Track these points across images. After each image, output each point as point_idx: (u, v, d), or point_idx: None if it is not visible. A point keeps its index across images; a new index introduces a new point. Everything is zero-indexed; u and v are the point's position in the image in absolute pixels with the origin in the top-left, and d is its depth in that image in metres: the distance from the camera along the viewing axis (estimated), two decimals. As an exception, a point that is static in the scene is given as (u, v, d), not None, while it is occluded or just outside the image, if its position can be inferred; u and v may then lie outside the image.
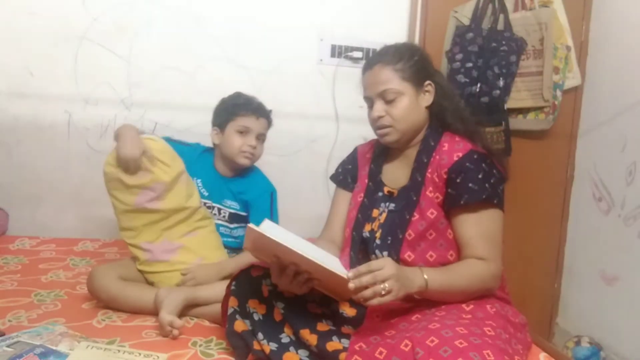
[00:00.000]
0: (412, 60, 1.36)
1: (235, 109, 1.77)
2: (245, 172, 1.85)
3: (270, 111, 1.84)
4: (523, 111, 2.31)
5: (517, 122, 2.30)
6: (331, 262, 1.31)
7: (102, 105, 2.21)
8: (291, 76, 2.34)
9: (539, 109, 2.28)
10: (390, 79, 1.33)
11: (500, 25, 2.21)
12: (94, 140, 2.23)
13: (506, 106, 2.23)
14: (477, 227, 1.26)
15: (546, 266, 2.55)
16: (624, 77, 2.20)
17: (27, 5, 2.12)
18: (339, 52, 2.37)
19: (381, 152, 1.48)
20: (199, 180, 1.80)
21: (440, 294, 1.18)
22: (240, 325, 1.24)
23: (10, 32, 2.12)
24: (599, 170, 2.34)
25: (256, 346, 1.20)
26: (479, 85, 2.15)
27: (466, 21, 2.23)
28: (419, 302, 1.24)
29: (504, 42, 2.16)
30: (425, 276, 1.14)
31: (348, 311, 1.27)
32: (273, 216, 1.81)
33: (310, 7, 2.33)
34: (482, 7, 2.21)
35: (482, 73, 2.15)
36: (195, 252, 1.65)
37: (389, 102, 1.34)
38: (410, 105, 1.35)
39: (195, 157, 1.83)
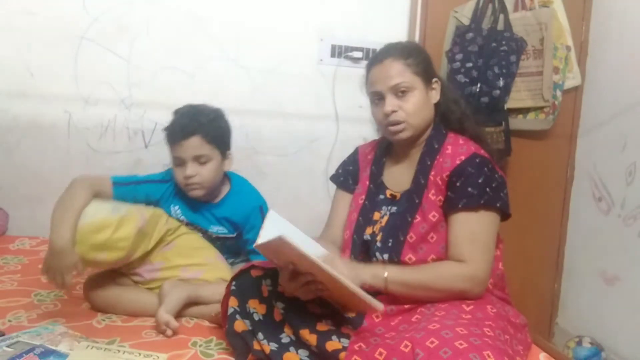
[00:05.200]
0: (420, 57, 1.37)
1: (167, 140, 1.59)
2: (223, 193, 1.67)
3: (208, 116, 1.57)
4: (523, 111, 2.30)
5: (517, 122, 2.30)
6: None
7: (102, 105, 2.21)
8: (291, 76, 2.33)
9: (539, 109, 2.28)
10: (402, 72, 1.33)
11: (500, 25, 2.20)
12: (94, 140, 2.22)
13: (506, 106, 2.23)
14: (467, 228, 1.26)
15: (546, 266, 2.55)
16: (624, 77, 2.20)
17: (27, 5, 2.12)
18: (339, 52, 2.37)
19: (383, 153, 1.47)
20: (176, 207, 1.63)
21: (402, 288, 1.21)
22: (240, 325, 1.23)
23: (10, 32, 2.12)
24: (599, 170, 2.33)
25: (256, 346, 1.20)
26: (479, 85, 2.15)
27: (466, 21, 2.23)
28: (418, 303, 1.24)
29: (504, 42, 2.16)
30: (386, 274, 1.19)
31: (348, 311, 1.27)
32: None
33: (310, 7, 2.33)
34: (482, 7, 2.21)
35: (482, 73, 2.15)
36: (177, 263, 1.57)
37: (400, 96, 1.33)
38: (422, 100, 1.35)
39: (170, 189, 1.64)
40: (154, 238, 1.51)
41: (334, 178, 1.56)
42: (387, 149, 1.47)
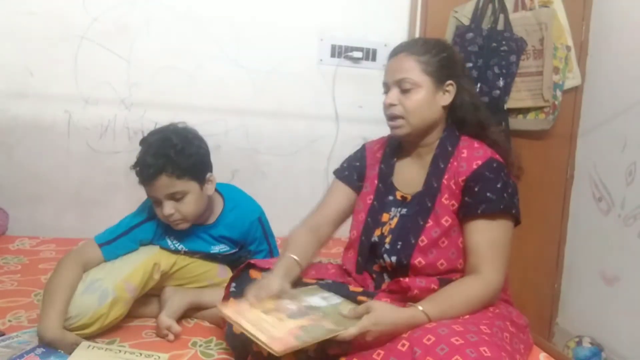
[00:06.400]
0: (438, 56, 1.32)
1: (137, 178, 1.45)
2: (217, 211, 1.57)
3: (171, 153, 1.39)
4: (523, 111, 2.31)
5: (517, 122, 2.30)
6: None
7: (102, 105, 2.21)
8: (291, 76, 2.34)
9: (539, 109, 2.28)
10: (411, 68, 1.30)
11: (500, 25, 2.21)
12: (94, 140, 2.23)
13: (506, 106, 2.23)
14: (487, 236, 1.24)
15: (546, 266, 2.55)
16: (624, 77, 2.20)
17: (27, 5, 2.12)
18: (339, 52, 2.37)
19: (393, 152, 1.43)
20: (172, 237, 1.53)
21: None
22: (239, 326, 1.23)
23: (10, 32, 2.12)
24: (599, 170, 2.33)
25: (255, 347, 1.20)
26: (479, 85, 2.15)
27: (466, 21, 2.23)
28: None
29: (504, 42, 2.16)
30: (421, 308, 1.12)
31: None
32: (269, 237, 1.66)
33: (310, 7, 2.33)
34: (482, 7, 2.21)
35: (482, 73, 2.15)
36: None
37: (404, 92, 1.30)
38: (426, 100, 1.31)
39: (159, 225, 1.51)
40: (147, 289, 1.45)
41: (338, 172, 1.50)
42: (397, 147, 1.43)
